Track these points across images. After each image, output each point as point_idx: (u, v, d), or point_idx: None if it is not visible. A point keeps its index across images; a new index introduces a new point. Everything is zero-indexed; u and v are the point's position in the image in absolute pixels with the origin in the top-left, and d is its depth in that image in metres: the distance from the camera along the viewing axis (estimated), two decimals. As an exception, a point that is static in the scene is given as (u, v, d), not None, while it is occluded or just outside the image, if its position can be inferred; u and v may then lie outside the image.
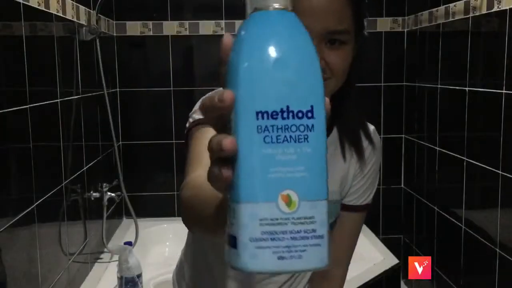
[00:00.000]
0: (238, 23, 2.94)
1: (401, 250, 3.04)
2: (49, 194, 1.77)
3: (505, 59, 1.87)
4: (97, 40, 2.33)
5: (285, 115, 0.48)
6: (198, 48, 2.99)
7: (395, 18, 2.99)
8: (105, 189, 2.44)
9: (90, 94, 2.34)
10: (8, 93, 1.49)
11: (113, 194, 2.47)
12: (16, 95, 1.55)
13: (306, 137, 0.48)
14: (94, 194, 2.36)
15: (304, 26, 0.52)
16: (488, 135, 2.05)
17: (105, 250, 2.49)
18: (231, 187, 0.49)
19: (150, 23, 2.93)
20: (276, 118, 0.48)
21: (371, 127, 1.12)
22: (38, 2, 1.70)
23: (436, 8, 2.51)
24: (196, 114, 1.01)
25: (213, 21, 2.94)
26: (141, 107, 3.03)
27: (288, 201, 0.48)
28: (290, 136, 0.48)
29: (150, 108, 3.04)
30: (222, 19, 2.94)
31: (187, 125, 1.03)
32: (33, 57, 1.65)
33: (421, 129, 2.75)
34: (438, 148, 2.52)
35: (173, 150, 3.04)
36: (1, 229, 1.41)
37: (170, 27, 2.94)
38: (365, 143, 1.08)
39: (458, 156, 2.27)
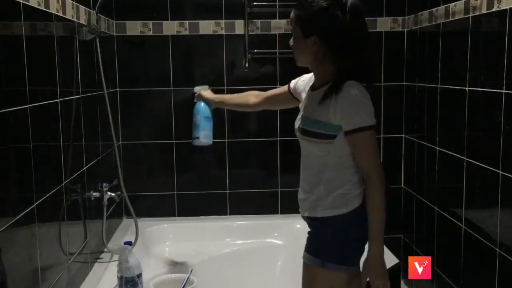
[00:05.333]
0: (238, 23, 2.94)
1: (401, 250, 3.04)
2: (49, 194, 1.77)
3: (505, 59, 1.87)
4: (97, 40, 2.33)
5: None
6: (198, 48, 2.99)
7: (395, 18, 2.99)
8: (105, 189, 2.44)
9: (90, 94, 2.34)
10: (8, 93, 1.49)
11: (113, 194, 2.46)
12: (16, 95, 1.55)
13: None
14: (94, 194, 2.36)
15: None
16: (488, 135, 2.05)
17: (105, 250, 2.49)
18: None
19: (150, 23, 2.93)
20: None
21: (347, 87, 1.64)
22: (38, 2, 1.70)
23: (436, 8, 2.51)
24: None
25: (213, 21, 2.94)
26: (141, 107, 3.03)
27: None
28: None
29: (150, 108, 3.04)
30: (222, 19, 2.94)
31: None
32: (33, 57, 1.65)
33: (421, 129, 2.75)
34: (438, 148, 2.52)
35: (173, 150, 3.04)
36: (1, 229, 1.41)
37: (170, 27, 2.94)
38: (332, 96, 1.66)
39: (458, 156, 2.27)
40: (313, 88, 1.80)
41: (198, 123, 2.30)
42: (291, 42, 1.76)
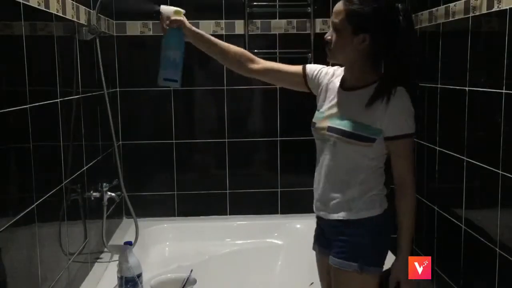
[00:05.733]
0: (238, 23, 2.94)
1: (401, 250, 3.03)
2: (49, 194, 1.78)
3: (505, 59, 1.87)
4: (97, 40, 2.33)
5: None
6: (198, 48, 2.98)
7: (395, 18, 2.98)
8: (105, 189, 2.44)
9: (90, 94, 2.34)
10: (8, 93, 1.49)
11: (113, 194, 2.46)
12: (16, 95, 1.55)
13: None
14: (94, 194, 2.36)
15: None
16: (488, 135, 2.05)
17: (105, 250, 2.49)
18: None
19: (150, 23, 2.93)
20: None
21: (399, 93, 1.61)
22: (38, 2, 1.70)
23: (436, 8, 2.51)
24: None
25: (213, 21, 2.94)
26: (141, 107, 3.03)
27: None
28: None
29: (150, 108, 3.04)
30: (222, 19, 2.94)
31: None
32: (33, 57, 1.65)
33: (421, 129, 2.75)
34: (438, 148, 2.52)
35: (173, 150, 3.04)
36: (1, 229, 1.41)
37: (170, 27, 2.93)
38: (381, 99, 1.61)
39: (458, 156, 2.27)
40: (344, 87, 1.71)
41: (178, 61, 1.80)
42: (329, 36, 1.64)
